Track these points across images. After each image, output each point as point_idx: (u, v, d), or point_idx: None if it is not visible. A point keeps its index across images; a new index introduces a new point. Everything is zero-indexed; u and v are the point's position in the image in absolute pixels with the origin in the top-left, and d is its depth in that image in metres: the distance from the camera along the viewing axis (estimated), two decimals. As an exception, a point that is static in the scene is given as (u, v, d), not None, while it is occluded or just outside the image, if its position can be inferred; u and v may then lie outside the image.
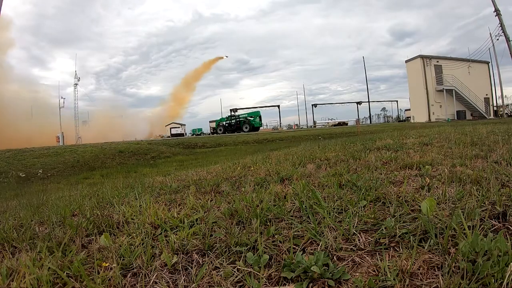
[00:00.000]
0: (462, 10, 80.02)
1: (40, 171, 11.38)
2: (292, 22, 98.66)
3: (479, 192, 1.51)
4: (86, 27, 71.60)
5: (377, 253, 1.08)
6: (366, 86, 48.40)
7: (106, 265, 1.13)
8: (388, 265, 0.96)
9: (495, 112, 35.55)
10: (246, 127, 35.71)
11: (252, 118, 36.92)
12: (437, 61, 35.15)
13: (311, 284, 0.94)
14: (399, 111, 54.01)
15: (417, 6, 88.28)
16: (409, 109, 41.62)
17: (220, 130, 37.01)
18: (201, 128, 48.43)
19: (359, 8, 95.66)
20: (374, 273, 0.97)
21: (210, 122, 46.70)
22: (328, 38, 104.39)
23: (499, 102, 36.17)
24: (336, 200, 1.63)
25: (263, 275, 1.01)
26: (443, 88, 33.74)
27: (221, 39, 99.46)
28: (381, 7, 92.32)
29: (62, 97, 36.90)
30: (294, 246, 1.17)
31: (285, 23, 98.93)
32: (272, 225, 1.38)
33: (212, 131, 41.68)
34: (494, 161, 2.26)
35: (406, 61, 37.62)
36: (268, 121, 50.37)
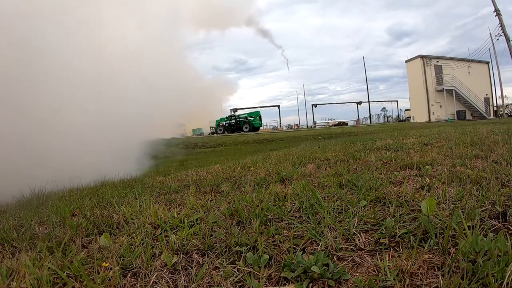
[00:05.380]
0: (461, 10, 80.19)
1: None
2: (289, 22, 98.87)
3: (479, 192, 1.51)
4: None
5: (377, 253, 1.08)
6: (365, 86, 48.45)
7: (106, 265, 1.13)
8: (388, 265, 0.96)
9: (495, 112, 35.51)
10: (246, 127, 35.63)
11: (252, 118, 36.84)
12: (437, 61, 35.10)
13: (311, 284, 0.94)
14: (399, 111, 53.97)
15: (415, 6, 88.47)
16: (409, 109, 41.57)
17: (220, 130, 36.91)
18: (201, 128, 48.32)
19: (356, 8, 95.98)
20: (374, 273, 0.97)
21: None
22: (326, 38, 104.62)
23: (499, 102, 36.19)
24: (336, 200, 1.63)
25: (263, 275, 1.01)
26: (443, 88, 33.71)
27: (219, 39, 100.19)
28: (378, 6, 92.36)
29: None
30: (294, 246, 1.17)
31: (282, 23, 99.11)
32: (272, 225, 1.38)
33: (212, 131, 41.56)
34: (494, 161, 2.26)
35: (406, 61, 37.57)
36: (268, 121, 50.25)
